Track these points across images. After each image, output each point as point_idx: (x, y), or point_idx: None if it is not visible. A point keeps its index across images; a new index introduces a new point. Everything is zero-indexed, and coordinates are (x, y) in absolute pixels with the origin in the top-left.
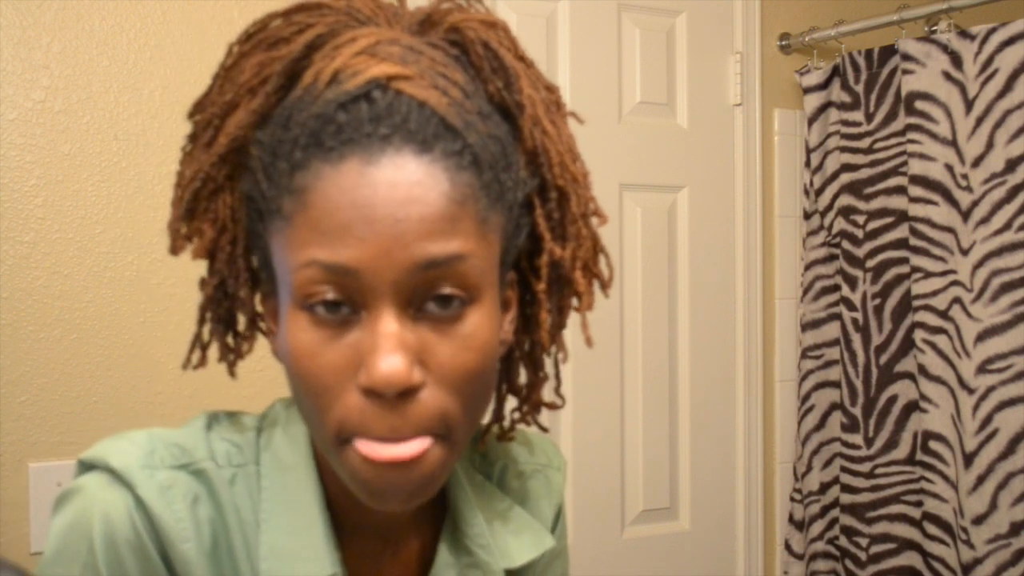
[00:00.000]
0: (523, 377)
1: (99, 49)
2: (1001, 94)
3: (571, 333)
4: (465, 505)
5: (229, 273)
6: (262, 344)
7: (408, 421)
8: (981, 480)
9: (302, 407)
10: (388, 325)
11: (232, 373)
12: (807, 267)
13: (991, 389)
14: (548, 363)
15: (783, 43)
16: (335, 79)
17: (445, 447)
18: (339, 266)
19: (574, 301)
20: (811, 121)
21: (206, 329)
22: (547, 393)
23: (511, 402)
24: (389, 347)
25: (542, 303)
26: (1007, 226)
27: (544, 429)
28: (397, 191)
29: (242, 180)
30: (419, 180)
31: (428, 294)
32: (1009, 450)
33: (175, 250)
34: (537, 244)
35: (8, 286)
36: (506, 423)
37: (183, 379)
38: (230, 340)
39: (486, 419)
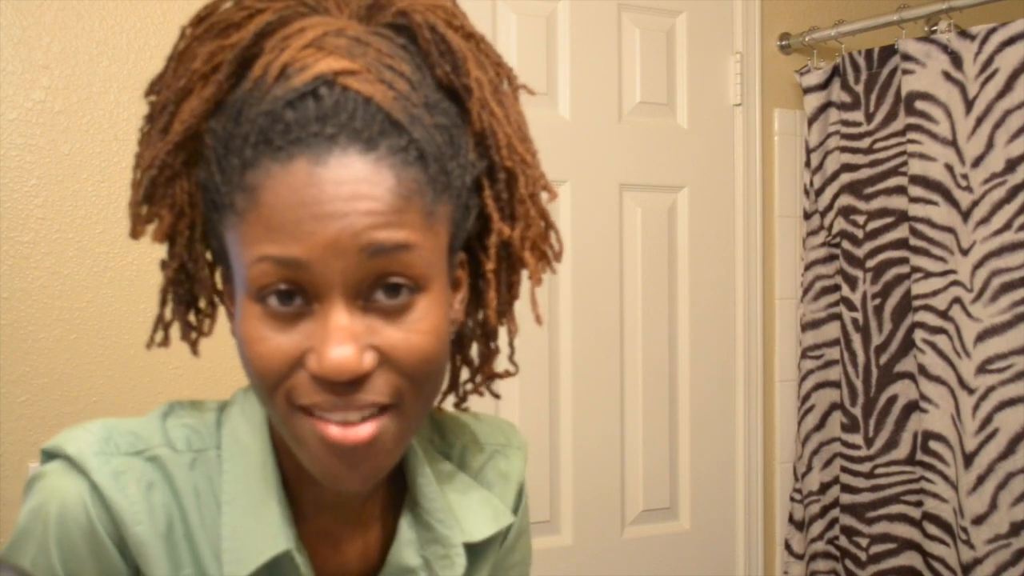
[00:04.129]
0: (475, 350)
1: (99, 49)
2: (1001, 94)
3: (570, 335)
4: (425, 482)
5: (188, 256)
6: None
7: (359, 407)
8: (981, 480)
9: (256, 389)
10: (339, 317)
11: (195, 351)
12: (807, 267)
13: (991, 389)
14: (501, 334)
15: (783, 43)
16: (283, 74)
17: (397, 419)
18: (290, 260)
19: (524, 277)
20: (811, 121)
21: (167, 309)
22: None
23: (464, 374)
24: (339, 337)
25: (490, 282)
26: (1007, 226)
27: (496, 396)
28: (343, 189)
29: (198, 168)
30: (365, 178)
31: (377, 284)
32: (1009, 450)
33: (135, 234)
34: (487, 224)
35: (8, 286)
36: (460, 393)
37: (183, 379)
38: (192, 319)
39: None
